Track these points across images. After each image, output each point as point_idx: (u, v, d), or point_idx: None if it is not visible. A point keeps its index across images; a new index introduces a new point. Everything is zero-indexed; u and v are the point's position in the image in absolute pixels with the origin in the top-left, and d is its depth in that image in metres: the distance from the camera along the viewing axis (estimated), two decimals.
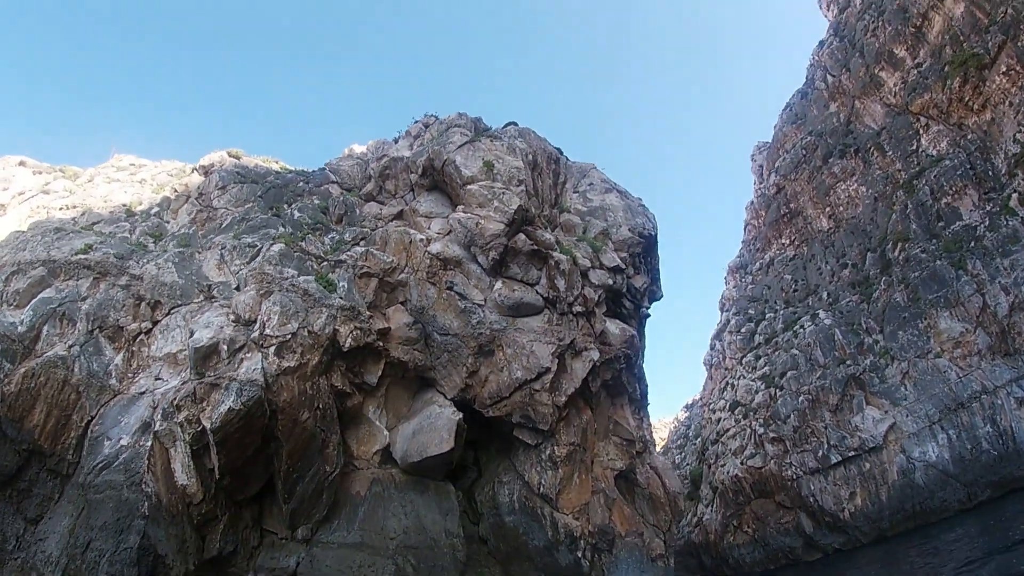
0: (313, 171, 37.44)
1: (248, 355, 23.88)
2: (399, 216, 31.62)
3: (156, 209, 35.11)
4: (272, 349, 23.84)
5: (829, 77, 66.57)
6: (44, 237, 30.05)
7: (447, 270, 28.58)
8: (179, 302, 27.38)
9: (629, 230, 33.38)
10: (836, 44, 66.09)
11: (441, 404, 28.18)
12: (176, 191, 36.54)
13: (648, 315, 34.29)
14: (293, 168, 39.02)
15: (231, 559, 22.48)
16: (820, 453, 48.26)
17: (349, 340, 25.70)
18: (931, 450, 44.53)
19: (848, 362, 50.76)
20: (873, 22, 60.76)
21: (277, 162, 39.96)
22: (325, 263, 28.64)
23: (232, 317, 25.53)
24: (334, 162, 37.29)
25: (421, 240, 29.20)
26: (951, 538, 33.97)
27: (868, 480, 46.46)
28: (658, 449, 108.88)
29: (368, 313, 27.19)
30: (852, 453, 47.19)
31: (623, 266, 31.95)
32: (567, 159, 37.74)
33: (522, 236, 28.49)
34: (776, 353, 55.90)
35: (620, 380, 30.61)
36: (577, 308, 28.78)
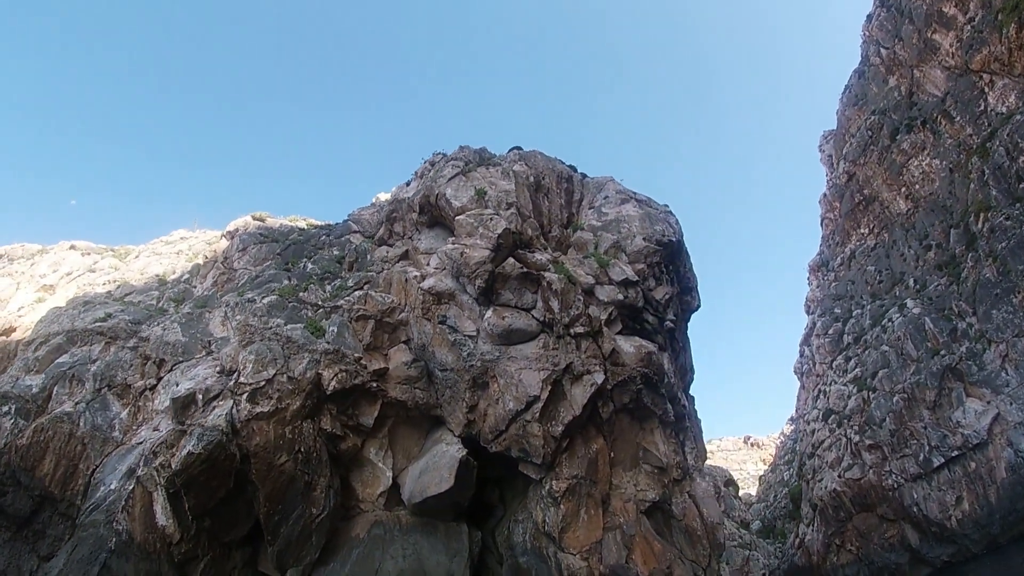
0: (336, 224, 36.13)
1: (221, 403, 23.01)
2: (404, 256, 29.12)
3: (186, 276, 35.37)
4: (245, 396, 22.52)
5: (883, 50, 58.19)
6: (74, 310, 30.78)
7: (440, 304, 25.60)
8: (181, 359, 26.77)
9: (644, 239, 28.89)
10: (884, 15, 57.92)
11: (449, 442, 25.37)
12: (207, 258, 36.34)
13: (672, 327, 29.37)
14: (320, 223, 37.98)
15: None
16: (921, 456, 40.49)
17: (333, 383, 23.93)
18: None
19: (942, 352, 42.50)
20: None
21: (305, 220, 39.14)
22: (321, 310, 26.74)
23: (217, 368, 24.79)
24: (356, 212, 35.72)
25: (415, 277, 26.51)
26: None
27: (975, 481, 38.40)
28: (766, 467, 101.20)
29: (358, 355, 24.89)
30: (955, 453, 39.16)
31: (638, 278, 27.57)
32: (583, 176, 33.91)
33: (511, 260, 25.05)
34: (866, 352, 48.12)
35: (642, 403, 25.83)
36: (578, 329, 24.71)
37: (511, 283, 25.08)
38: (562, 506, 22.93)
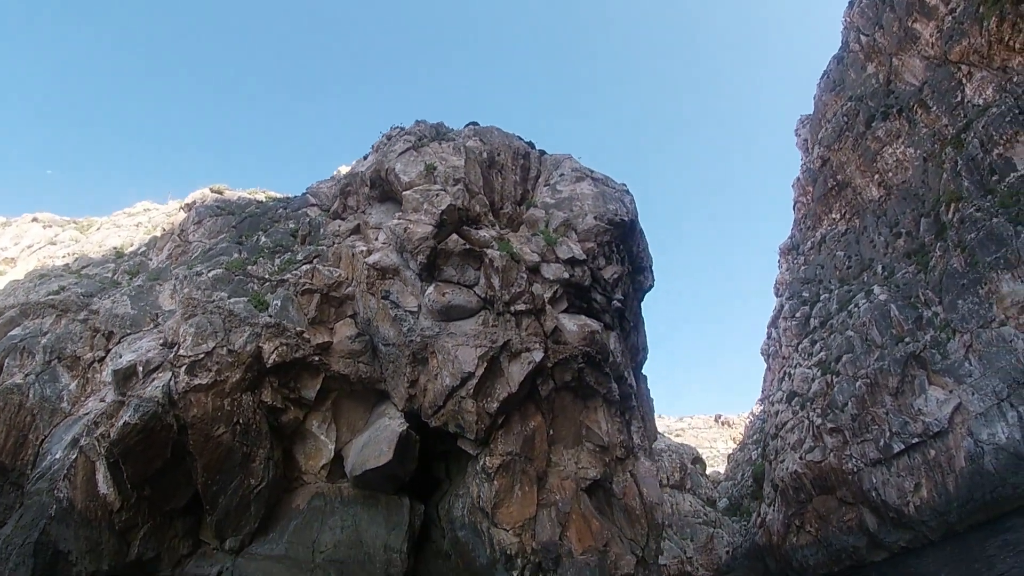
0: (294, 197, 36.15)
1: (160, 375, 23.42)
2: (356, 231, 29.21)
3: (143, 249, 35.80)
4: (183, 368, 22.82)
5: (863, 37, 57.74)
6: (30, 283, 31.44)
7: (385, 279, 25.83)
8: (129, 331, 27.37)
9: (595, 218, 28.97)
10: (866, 2, 57.42)
11: (392, 416, 25.80)
12: (164, 231, 36.54)
13: (620, 307, 29.38)
14: (280, 196, 38.01)
15: (155, 564, 22.59)
16: (881, 442, 40.76)
17: (274, 356, 24.26)
18: (1000, 431, 36.35)
19: (907, 339, 42.66)
20: None
21: (264, 192, 39.22)
22: (268, 283, 26.99)
23: (161, 341, 25.15)
24: (315, 186, 35.71)
25: (362, 252, 26.74)
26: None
27: (934, 469, 38.68)
28: (735, 445, 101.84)
29: (300, 329, 25.20)
30: (916, 440, 39.41)
31: (586, 257, 27.68)
32: (541, 153, 33.91)
33: (455, 237, 25.22)
34: (832, 336, 48.33)
35: (585, 381, 26.04)
36: (520, 306, 24.89)
37: (454, 260, 25.34)
38: (496, 482, 23.26)
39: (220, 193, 37.09)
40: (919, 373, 41.18)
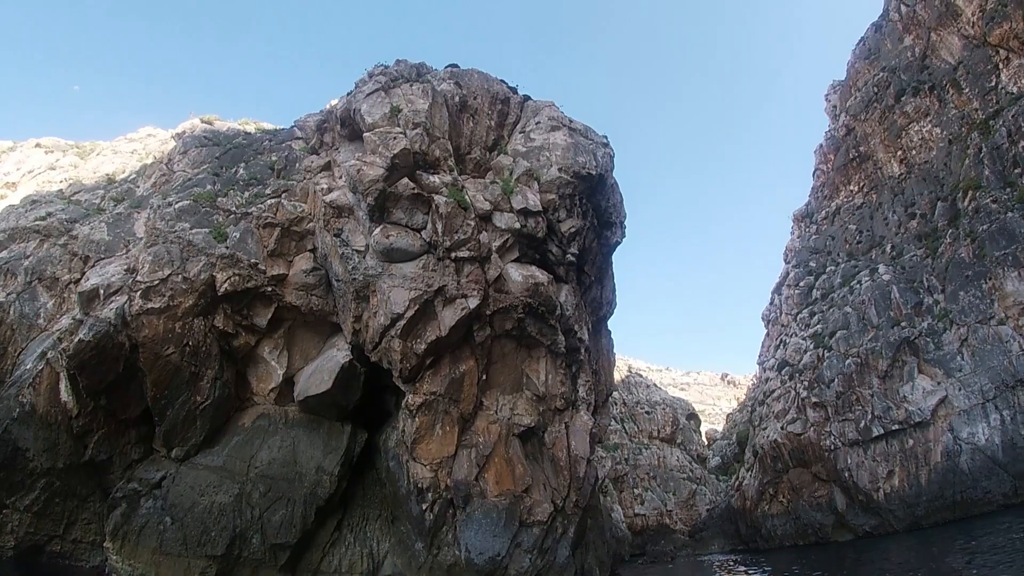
0: (282, 129, 37.41)
1: (118, 298, 26.21)
2: (326, 167, 30.80)
3: (133, 176, 38.10)
4: (139, 293, 25.30)
5: (904, 7, 55.19)
6: (23, 208, 34.21)
7: (340, 217, 27.56)
8: (103, 256, 30.13)
9: (559, 170, 29.66)
10: None
11: (340, 348, 28.08)
12: (155, 159, 38.43)
13: (573, 260, 29.90)
14: (269, 128, 39.27)
15: (108, 466, 25.75)
16: (862, 424, 41.13)
17: (226, 285, 26.59)
18: (981, 431, 36.64)
19: (903, 324, 42.62)
20: None
21: (255, 123, 40.58)
22: (233, 215, 28.85)
23: (125, 267, 27.79)
24: (302, 119, 36.92)
25: (322, 189, 28.49)
26: (991, 538, 27.86)
27: (909, 459, 39.03)
28: (735, 407, 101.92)
29: (254, 261, 27.36)
30: (896, 427, 39.72)
31: (542, 208, 28.61)
32: (525, 98, 34.40)
33: (405, 181, 26.62)
34: (831, 310, 48.32)
35: (527, 331, 27.53)
36: (462, 253, 26.26)
37: (403, 203, 26.77)
38: (417, 419, 25.20)
39: (210, 123, 38.75)
40: (910, 360, 41.32)
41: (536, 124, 32.42)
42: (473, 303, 25.71)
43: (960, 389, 38.41)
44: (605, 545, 42.85)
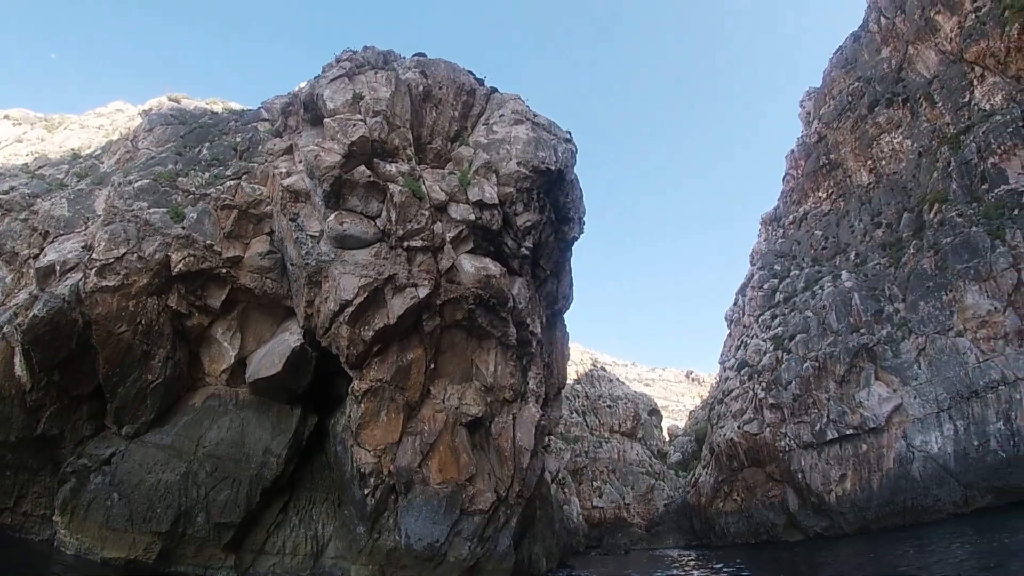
0: (248, 111, 37.60)
1: (73, 275, 26.43)
2: (288, 151, 31.06)
3: (98, 152, 38.07)
4: (94, 270, 25.61)
5: (883, 19, 56.53)
6: None
7: (297, 202, 27.88)
8: (63, 232, 30.30)
9: (519, 163, 30.13)
10: None
11: (292, 331, 28.40)
12: (121, 135, 38.51)
13: (528, 254, 30.40)
14: (237, 108, 39.44)
15: (59, 440, 25.92)
16: (817, 427, 42.24)
17: (180, 265, 26.92)
18: (934, 440, 37.83)
19: (862, 330, 43.81)
20: None
21: (223, 103, 40.77)
22: (191, 196, 29.20)
23: (83, 244, 27.97)
24: (270, 101, 37.27)
25: (281, 173, 28.79)
26: (940, 545, 28.35)
27: (862, 464, 40.24)
28: (698, 404, 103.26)
29: (210, 242, 27.67)
30: (850, 431, 40.90)
31: (498, 201, 29.10)
32: (492, 90, 34.83)
33: (362, 168, 26.98)
34: (792, 313, 49.41)
35: (477, 322, 28.09)
36: (415, 243, 26.71)
37: (359, 190, 27.10)
38: (362, 405, 25.70)
39: (177, 102, 38.97)
40: (867, 366, 42.48)
41: (500, 117, 32.79)
42: (423, 292, 26.18)
43: (915, 397, 39.50)
44: (555, 536, 43.55)
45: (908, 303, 42.74)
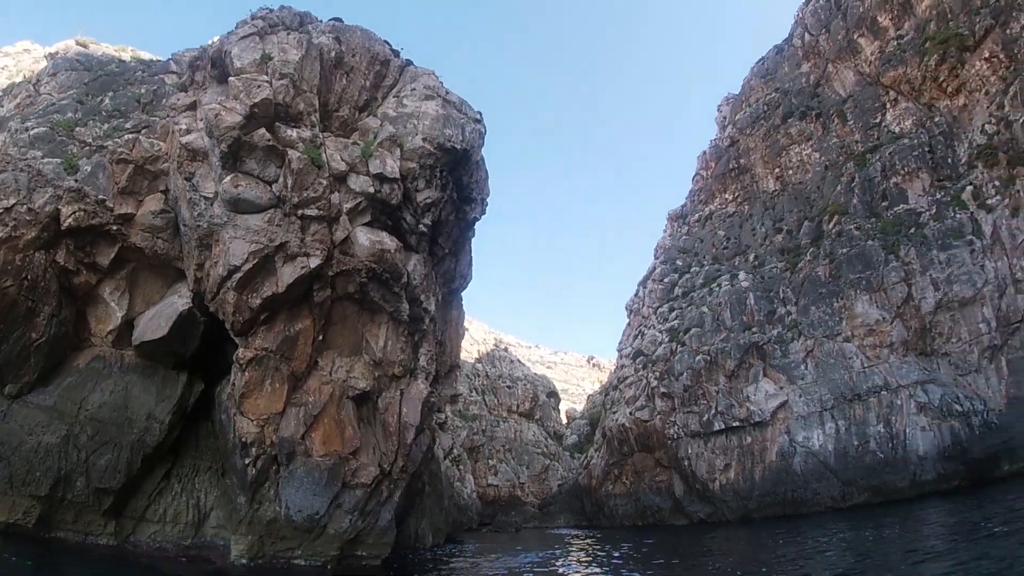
0: (157, 61, 36.54)
1: None
2: (192, 107, 30.25)
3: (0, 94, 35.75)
4: None
5: (807, 36, 59.34)
6: None
7: (195, 161, 27.28)
8: None
9: (424, 140, 30.19)
10: (822, 3, 58.57)
11: (181, 295, 28.10)
12: (25, 77, 37.02)
13: (425, 231, 30.60)
14: (147, 58, 38.29)
15: None
16: (706, 417, 44.27)
17: (70, 220, 26.15)
18: (816, 437, 40.17)
19: (755, 329, 46.17)
20: None
21: (131, 51, 39.49)
22: (88, 147, 28.28)
23: None
24: (180, 53, 36.19)
25: (180, 130, 28.09)
26: (817, 535, 29.51)
27: (746, 455, 42.50)
28: (597, 389, 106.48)
29: (102, 197, 26.98)
30: (736, 423, 43.07)
31: (399, 176, 29.12)
32: (407, 63, 34.59)
33: (262, 131, 26.51)
34: (689, 308, 51.32)
35: (369, 296, 28.15)
36: (311, 212, 26.51)
37: (258, 154, 26.57)
38: (247, 373, 25.53)
39: (85, 47, 37.41)
40: (757, 363, 44.71)
41: (412, 91, 32.65)
42: (314, 263, 26.07)
43: (800, 396, 41.77)
44: (443, 512, 44.30)
45: (800, 307, 45.12)
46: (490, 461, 77.10)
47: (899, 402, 37.94)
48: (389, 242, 28.06)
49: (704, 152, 66.32)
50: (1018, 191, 38.77)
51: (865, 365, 40.37)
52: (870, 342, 41.03)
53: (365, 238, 27.66)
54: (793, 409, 41.58)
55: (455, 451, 65.58)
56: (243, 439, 24.79)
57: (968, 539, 21.51)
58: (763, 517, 40.12)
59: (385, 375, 28.86)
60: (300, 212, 26.42)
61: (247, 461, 24.73)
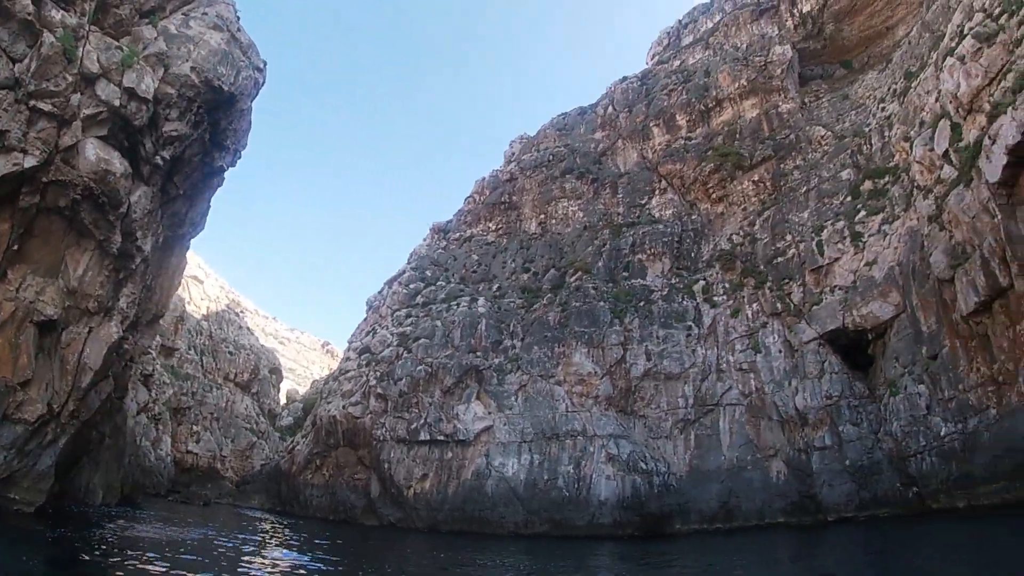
0: None
1: None
2: None
3: None
4: None
5: (611, 108, 65.18)
6: None
7: None
8: None
9: (192, 69, 28.00)
10: (634, 87, 64.54)
11: None
12: None
13: (160, 165, 28.02)
14: None
15: None
16: (414, 426, 45.04)
17: None
18: (511, 465, 42.40)
19: (479, 353, 48.74)
20: (674, 86, 59.66)
21: None
22: None
23: None
24: None
25: None
26: (500, 556, 30.33)
27: (444, 469, 43.86)
28: (331, 370, 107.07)
29: None
30: (442, 437, 44.36)
31: (154, 99, 26.63)
32: None
33: (27, 1, 22.66)
34: (425, 319, 52.92)
35: (80, 217, 25.07)
36: (45, 106, 23.22)
37: (12, 24, 22.75)
38: None
39: None
40: (473, 385, 46.86)
41: (202, 15, 30.34)
42: (30, 163, 22.93)
43: (506, 424, 43.93)
44: (122, 471, 40.57)
45: (525, 343, 48.21)
46: (194, 427, 71.98)
47: (592, 449, 40.97)
48: (118, 164, 25.50)
49: (483, 178, 68.44)
50: (743, 297, 44.47)
51: (569, 409, 43.39)
52: (579, 390, 44.39)
53: (93, 152, 24.81)
54: (496, 435, 43.46)
55: (157, 408, 61.27)
56: None
57: None
58: (450, 531, 41.15)
59: (77, 307, 25.89)
60: (32, 103, 23.10)
61: None
